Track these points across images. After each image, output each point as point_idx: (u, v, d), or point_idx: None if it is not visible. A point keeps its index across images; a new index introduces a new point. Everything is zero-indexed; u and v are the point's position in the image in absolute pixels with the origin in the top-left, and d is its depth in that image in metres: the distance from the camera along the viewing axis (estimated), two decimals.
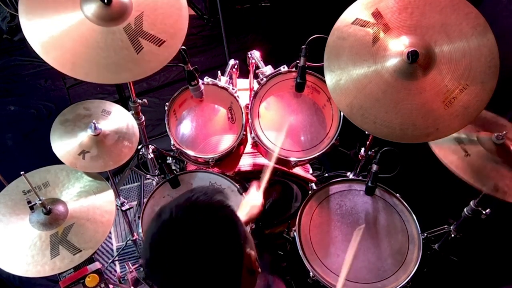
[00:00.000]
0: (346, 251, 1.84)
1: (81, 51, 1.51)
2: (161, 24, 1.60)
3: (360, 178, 2.13)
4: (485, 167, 1.63)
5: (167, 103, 2.05)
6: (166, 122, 2.00)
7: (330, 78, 1.64)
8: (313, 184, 2.27)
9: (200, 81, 1.96)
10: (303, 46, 1.88)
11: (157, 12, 1.62)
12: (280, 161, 2.04)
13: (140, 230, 1.89)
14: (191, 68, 1.88)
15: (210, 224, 0.90)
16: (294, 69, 2.03)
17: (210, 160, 2.00)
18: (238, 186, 2.00)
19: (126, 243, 2.72)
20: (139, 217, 2.08)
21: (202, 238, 0.88)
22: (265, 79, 2.05)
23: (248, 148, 2.21)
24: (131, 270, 2.34)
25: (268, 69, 2.10)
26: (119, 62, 1.53)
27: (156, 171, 2.29)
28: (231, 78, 2.19)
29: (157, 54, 1.57)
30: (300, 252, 1.82)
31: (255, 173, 2.17)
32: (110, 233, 2.78)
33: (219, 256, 0.90)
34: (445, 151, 1.68)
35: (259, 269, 0.99)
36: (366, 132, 1.94)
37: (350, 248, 1.77)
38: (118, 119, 1.89)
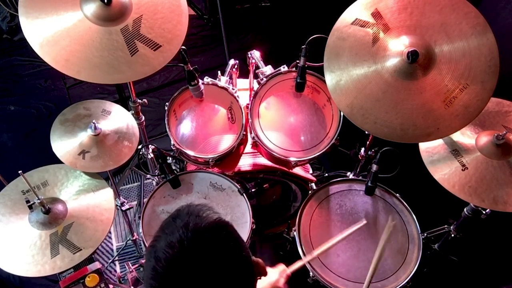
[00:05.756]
0: (347, 251, 1.85)
1: (76, 49, 1.50)
2: (159, 29, 1.59)
3: (360, 178, 2.13)
4: (484, 178, 1.60)
5: (167, 103, 2.05)
6: (166, 122, 2.00)
7: (330, 79, 1.64)
8: (313, 184, 2.27)
9: (200, 81, 1.96)
10: (303, 46, 1.88)
11: (157, 16, 1.61)
12: (280, 161, 2.04)
13: (141, 230, 1.88)
14: (191, 68, 1.88)
15: (220, 248, 0.90)
16: (294, 69, 2.03)
17: (210, 160, 2.00)
18: (239, 186, 2.00)
19: (126, 243, 2.72)
20: (139, 217, 2.08)
21: (216, 263, 0.88)
22: (265, 79, 2.05)
23: (248, 148, 2.21)
24: (131, 270, 2.34)
25: (268, 69, 2.10)
26: (112, 63, 1.52)
27: (156, 171, 2.29)
28: (231, 78, 2.19)
29: (152, 58, 1.56)
30: (300, 252, 1.82)
31: (255, 173, 2.17)
32: (110, 233, 2.78)
33: (235, 275, 0.91)
34: (441, 169, 1.65)
35: (267, 271, 1.02)
36: (366, 132, 1.94)
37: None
38: (118, 119, 1.89)
